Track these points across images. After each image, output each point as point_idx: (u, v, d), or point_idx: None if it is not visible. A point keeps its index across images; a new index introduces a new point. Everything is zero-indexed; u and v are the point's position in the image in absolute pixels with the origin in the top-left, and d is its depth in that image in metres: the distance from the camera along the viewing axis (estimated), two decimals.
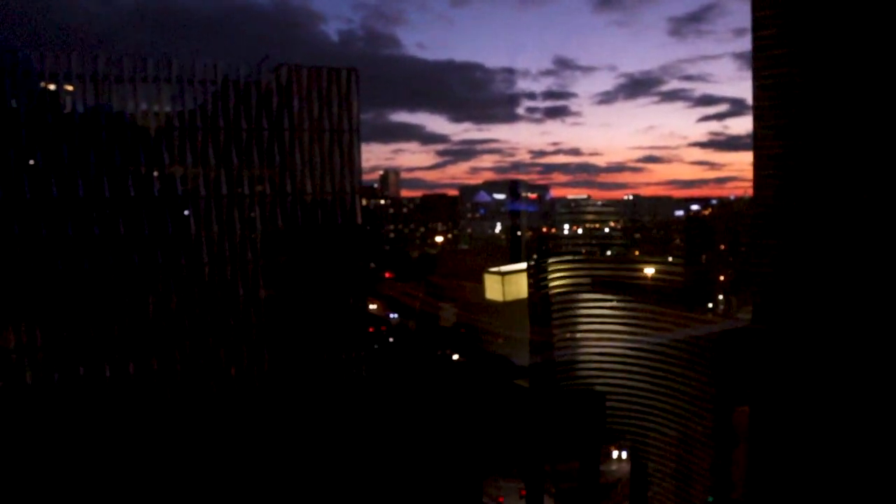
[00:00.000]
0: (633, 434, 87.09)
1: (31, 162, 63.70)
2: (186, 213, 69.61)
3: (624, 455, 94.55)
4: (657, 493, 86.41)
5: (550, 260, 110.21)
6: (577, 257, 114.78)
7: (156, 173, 68.66)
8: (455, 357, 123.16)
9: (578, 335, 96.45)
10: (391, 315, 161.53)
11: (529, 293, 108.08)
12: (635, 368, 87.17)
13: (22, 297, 63.44)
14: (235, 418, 69.71)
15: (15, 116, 62.92)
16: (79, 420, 64.59)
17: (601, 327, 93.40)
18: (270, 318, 72.51)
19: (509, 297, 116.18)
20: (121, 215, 66.50)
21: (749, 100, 70.55)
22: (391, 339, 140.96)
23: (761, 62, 68.46)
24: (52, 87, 64.72)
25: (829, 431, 61.52)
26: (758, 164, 69.41)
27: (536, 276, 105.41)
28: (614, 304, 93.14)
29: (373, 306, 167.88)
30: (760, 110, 69.11)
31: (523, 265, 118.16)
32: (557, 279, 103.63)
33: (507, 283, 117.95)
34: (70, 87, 65.27)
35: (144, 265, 67.48)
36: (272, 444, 70.32)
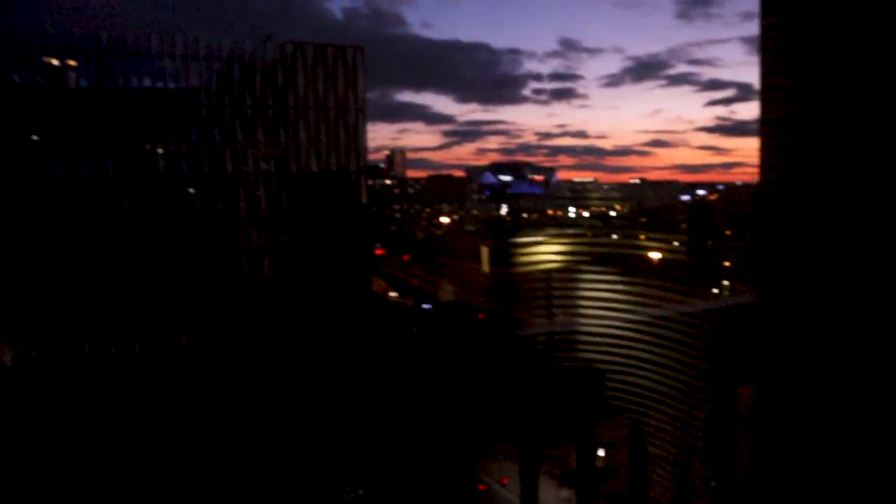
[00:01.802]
0: (632, 413, 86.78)
1: (35, 138, 63.34)
2: (191, 190, 69.32)
3: (602, 452, 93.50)
4: (659, 477, 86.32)
5: (520, 239, 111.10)
6: (552, 236, 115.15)
7: (160, 150, 68.33)
8: (451, 332, 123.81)
9: (570, 311, 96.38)
10: (390, 293, 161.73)
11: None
12: (633, 345, 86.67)
13: (24, 274, 63.30)
14: (239, 394, 69.85)
15: (18, 91, 62.47)
16: (84, 397, 64.73)
17: (597, 304, 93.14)
18: (275, 296, 72.41)
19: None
20: (125, 192, 66.25)
21: (757, 84, 69.61)
22: (388, 317, 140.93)
23: (768, 45, 67.61)
24: (55, 62, 64.23)
25: (832, 414, 61.41)
26: (764, 150, 68.87)
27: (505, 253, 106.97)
28: (607, 281, 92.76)
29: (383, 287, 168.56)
30: (767, 95, 68.41)
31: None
32: (535, 255, 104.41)
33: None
34: (73, 63, 64.77)
35: (149, 243, 67.29)
36: (275, 422, 70.51)
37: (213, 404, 68.63)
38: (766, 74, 68.40)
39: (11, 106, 62.06)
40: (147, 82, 67.25)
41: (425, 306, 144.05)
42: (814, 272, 64.22)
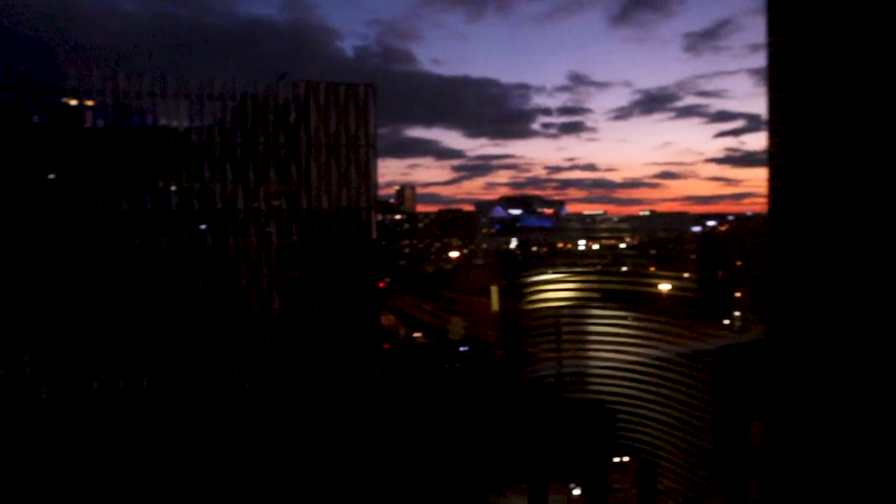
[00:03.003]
0: (641, 449, 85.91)
1: (52, 176, 64.57)
2: (203, 227, 70.17)
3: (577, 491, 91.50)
4: None
5: (539, 276, 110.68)
6: (566, 271, 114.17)
7: (173, 188, 69.34)
8: (461, 369, 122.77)
9: (580, 348, 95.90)
10: (401, 330, 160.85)
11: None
12: (642, 381, 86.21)
13: (38, 310, 64.02)
14: (249, 432, 69.81)
15: (37, 131, 63.88)
16: (92, 434, 64.92)
17: (606, 340, 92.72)
18: (284, 332, 72.72)
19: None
20: (138, 229, 67.15)
21: (765, 115, 69.77)
22: (398, 353, 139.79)
23: (774, 76, 68.00)
24: (73, 102, 65.71)
25: (844, 448, 60.55)
26: (772, 180, 68.87)
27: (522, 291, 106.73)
28: (617, 317, 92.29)
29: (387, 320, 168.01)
30: (774, 126, 68.60)
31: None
32: (552, 293, 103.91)
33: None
34: (90, 103, 66.21)
35: (161, 279, 67.97)
36: (284, 457, 70.33)
37: (222, 443, 68.65)
38: (772, 105, 68.65)
39: (29, 146, 63.42)
40: (162, 122, 68.59)
41: (462, 349, 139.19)
42: (823, 304, 63.66)
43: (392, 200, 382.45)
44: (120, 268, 66.42)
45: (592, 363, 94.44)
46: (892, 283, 58.48)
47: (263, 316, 72.05)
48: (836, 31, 62.21)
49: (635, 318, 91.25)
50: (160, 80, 68.07)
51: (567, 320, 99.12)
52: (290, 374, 72.58)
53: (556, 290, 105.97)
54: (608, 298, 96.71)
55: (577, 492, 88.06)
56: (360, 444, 73.47)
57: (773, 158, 69.04)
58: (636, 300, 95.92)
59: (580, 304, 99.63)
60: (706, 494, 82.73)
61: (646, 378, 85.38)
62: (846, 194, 62.05)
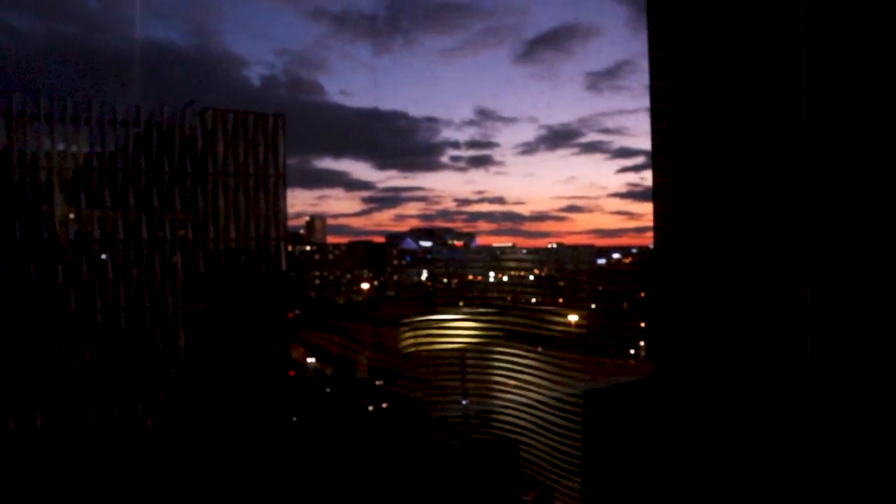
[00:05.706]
0: (544, 485, 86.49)
1: None
2: (104, 256, 67.27)
3: None
4: None
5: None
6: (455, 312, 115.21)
7: (72, 215, 66.32)
8: (371, 405, 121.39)
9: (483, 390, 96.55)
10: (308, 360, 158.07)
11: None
12: (538, 419, 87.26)
13: None
14: (150, 471, 66.63)
15: None
16: None
17: (507, 377, 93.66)
18: (190, 366, 70.19)
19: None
20: (32, 258, 63.65)
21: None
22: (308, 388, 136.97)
23: (656, 115, 69.69)
24: None
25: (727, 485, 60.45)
26: (655, 216, 69.80)
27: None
28: (519, 354, 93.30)
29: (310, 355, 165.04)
30: (657, 163, 70.05)
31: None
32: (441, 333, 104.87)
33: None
34: None
35: (57, 311, 64.51)
36: (188, 497, 67.44)
37: (122, 484, 65.24)
38: (655, 145, 70.37)
39: None
40: (61, 146, 65.65)
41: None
42: (703, 337, 63.41)
43: (302, 231, 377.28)
44: (12, 297, 62.64)
45: (497, 401, 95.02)
46: (772, 320, 58.84)
47: (168, 350, 69.38)
48: (709, 73, 64.01)
49: (537, 356, 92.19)
50: (59, 103, 65.34)
51: (472, 359, 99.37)
52: (195, 410, 69.92)
53: (461, 329, 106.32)
54: (512, 337, 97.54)
55: None
56: (270, 480, 71.36)
57: (656, 193, 70.27)
58: (539, 337, 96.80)
59: (484, 342, 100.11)
60: None
61: (547, 415, 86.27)
62: (724, 227, 62.78)
